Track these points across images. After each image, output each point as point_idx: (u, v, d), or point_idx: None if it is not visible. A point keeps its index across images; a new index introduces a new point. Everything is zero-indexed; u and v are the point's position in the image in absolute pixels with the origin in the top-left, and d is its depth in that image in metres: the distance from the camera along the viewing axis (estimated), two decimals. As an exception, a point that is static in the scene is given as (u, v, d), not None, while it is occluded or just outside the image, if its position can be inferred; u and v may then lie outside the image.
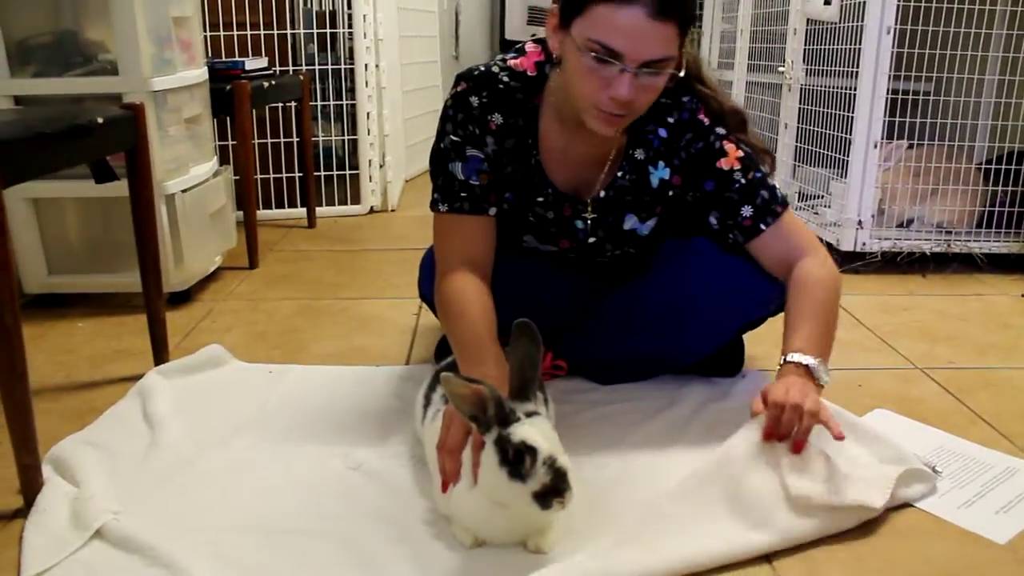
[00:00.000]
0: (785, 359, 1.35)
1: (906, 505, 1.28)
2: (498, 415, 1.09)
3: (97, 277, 2.24)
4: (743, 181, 1.49)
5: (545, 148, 1.53)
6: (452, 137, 1.48)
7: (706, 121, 1.50)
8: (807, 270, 1.46)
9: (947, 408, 1.64)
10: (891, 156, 2.58)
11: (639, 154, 1.53)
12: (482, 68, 1.49)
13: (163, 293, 1.79)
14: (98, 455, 1.38)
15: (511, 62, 1.50)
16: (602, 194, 1.55)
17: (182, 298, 2.25)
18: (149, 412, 1.54)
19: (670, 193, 1.54)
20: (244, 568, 1.11)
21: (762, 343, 1.87)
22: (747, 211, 1.49)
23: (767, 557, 1.16)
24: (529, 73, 1.49)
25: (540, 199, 1.55)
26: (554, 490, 1.06)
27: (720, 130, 1.50)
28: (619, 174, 1.54)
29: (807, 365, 1.33)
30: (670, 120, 1.50)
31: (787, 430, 1.26)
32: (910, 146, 2.61)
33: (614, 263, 1.66)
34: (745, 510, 1.19)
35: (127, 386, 1.66)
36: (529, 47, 1.51)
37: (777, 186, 1.52)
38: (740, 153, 1.50)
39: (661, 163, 1.53)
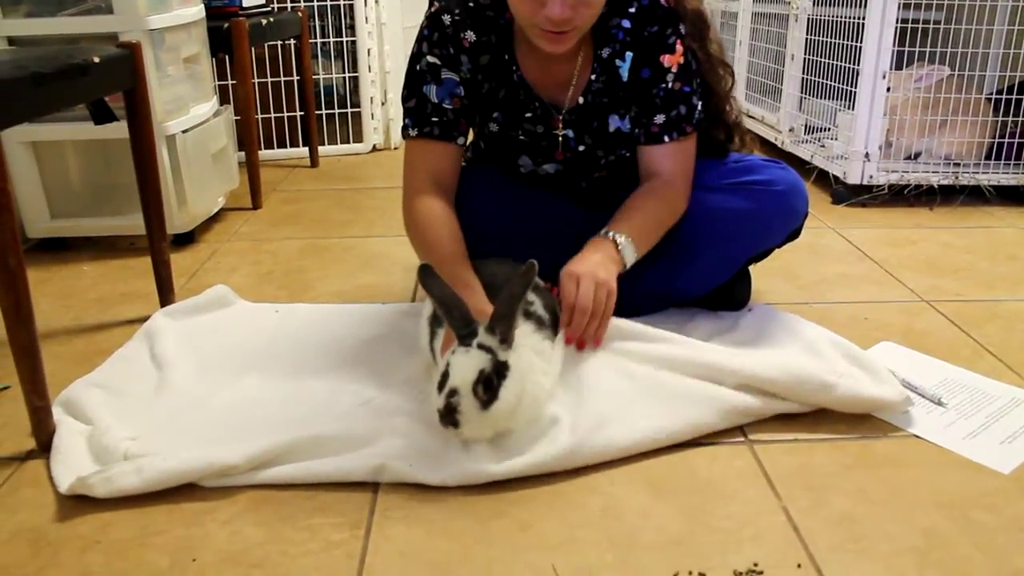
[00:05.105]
0: (603, 232, 1.46)
1: (912, 436, 1.29)
2: (457, 333, 1.22)
3: (100, 220, 2.23)
4: (671, 87, 1.52)
5: (524, 62, 1.53)
6: (429, 58, 1.51)
7: (666, 6, 1.50)
8: (666, 188, 1.54)
9: (953, 340, 1.64)
10: (923, 80, 2.54)
11: (605, 52, 1.53)
12: None
13: (167, 235, 1.79)
14: (107, 396, 1.39)
15: None
16: (580, 100, 1.56)
17: (186, 239, 2.25)
18: (157, 353, 1.54)
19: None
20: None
21: (769, 276, 1.87)
22: (659, 119, 1.53)
23: (773, 488, 1.17)
24: None
25: (528, 114, 1.56)
26: (441, 415, 1.18)
27: (682, 27, 1.51)
28: (592, 77, 1.54)
29: (617, 242, 1.43)
30: (631, 10, 1.50)
31: (584, 302, 1.35)
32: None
33: (614, 177, 1.65)
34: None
35: (134, 328, 1.67)
36: None
37: (699, 107, 1.55)
38: (682, 60, 1.52)
39: (629, 54, 1.53)
